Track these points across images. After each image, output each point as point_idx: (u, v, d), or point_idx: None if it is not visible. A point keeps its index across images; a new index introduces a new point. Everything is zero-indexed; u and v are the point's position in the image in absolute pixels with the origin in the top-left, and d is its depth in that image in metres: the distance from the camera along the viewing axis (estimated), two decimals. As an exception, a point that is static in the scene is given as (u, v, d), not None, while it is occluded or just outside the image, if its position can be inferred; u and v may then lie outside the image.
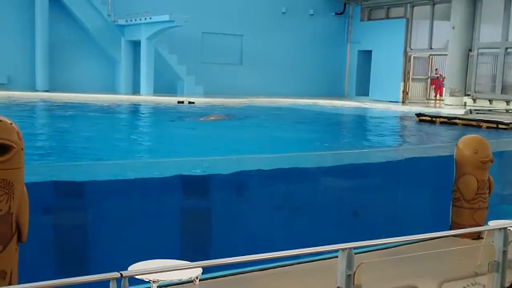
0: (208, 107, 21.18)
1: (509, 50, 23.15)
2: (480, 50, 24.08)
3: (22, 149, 3.37)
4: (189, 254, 5.00)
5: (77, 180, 5.20)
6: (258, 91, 26.76)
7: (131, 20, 23.88)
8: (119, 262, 3.78)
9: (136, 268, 3.63)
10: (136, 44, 24.49)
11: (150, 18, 23.03)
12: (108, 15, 24.32)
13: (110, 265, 3.15)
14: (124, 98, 22.88)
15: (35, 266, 4.55)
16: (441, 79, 26.02)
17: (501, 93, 23.30)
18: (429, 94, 28.38)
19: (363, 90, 29.48)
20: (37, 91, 23.08)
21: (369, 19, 29.97)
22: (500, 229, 4.41)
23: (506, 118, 16.58)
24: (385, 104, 25.08)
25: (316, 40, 29.50)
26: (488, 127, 15.38)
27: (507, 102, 22.52)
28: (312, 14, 29.44)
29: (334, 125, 19.37)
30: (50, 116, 17.81)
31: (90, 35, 24.34)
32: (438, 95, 27.14)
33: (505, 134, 14.36)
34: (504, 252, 4.37)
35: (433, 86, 27.93)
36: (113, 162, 6.78)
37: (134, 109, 20.75)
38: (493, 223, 5.67)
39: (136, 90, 24.45)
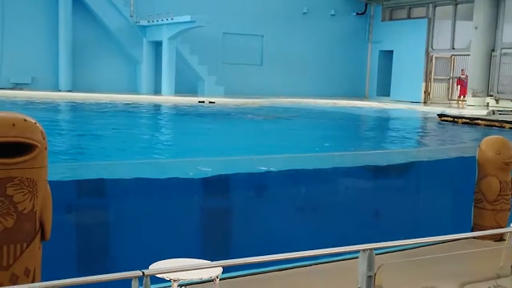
0: (239, 107, 21.34)
1: (533, 50, 22.86)
2: (503, 51, 23.80)
3: (45, 148, 3.42)
4: (210, 253, 5.03)
5: (99, 178, 5.26)
6: (279, 91, 26.75)
7: (153, 21, 24.05)
8: (140, 261, 3.81)
9: (157, 267, 3.66)
10: (157, 45, 24.65)
11: (172, 19, 23.16)
12: (131, 16, 24.51)
13: (131, 264, 3.19)
14: (146, 98, 23.03)
15: (58, 264, 4.61)
16: (467, 80, 25.78)
17: (525, 94, 23.01)
18: (451, 94, 28.13)
19: (384, 90, 29.32)
20: (60, 91, 23.35)
21: (390, 19, 29.79)
22: (522, 231, 4.36)
23: (529, 119, 16.36)
24: (407, 104, 24.91)
25: (337, 40, 29.42)
26: (511, 128, 15.19)
27: (531, 103, 22.24)
28: (333, 14, 29.35)
29: (355, 125, 19.30)
30: (75, 116, 18.01)
31: (112, 36, 24.56)
32: (462, 96, 26.87)
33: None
34: (527, 254, 4.32)
35: (459, 87, 27.66)
36: (135, 161, 6.84)
37: (175, 109, 20.80)
38: (515, 225, 5.62)
39: (157, 90, 24.61)
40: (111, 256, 5.22)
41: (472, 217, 6.75)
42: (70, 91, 23.36)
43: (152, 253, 4.17)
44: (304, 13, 28.65)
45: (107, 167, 5.61)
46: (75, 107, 19.67)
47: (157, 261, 3.81)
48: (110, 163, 6.34)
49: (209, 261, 3.50)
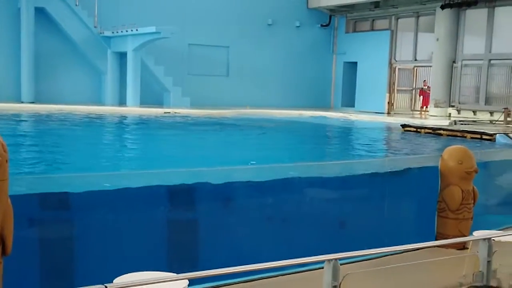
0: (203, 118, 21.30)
1: (492, 61, 23.42)
2: (464, 62, 24.35)
3: (6, 161, 3.35)
4: (176, 266, 4.99)
5: (62, 192, 5.18)
6: (244, 102, 26.79)
7: (117, 32, 23.89)
8: (105, 275, 3.76)
9: (121, 281, 3.61)
10: (122, 56, 24.47)
11: (137, 30, 23.05)
12: (95, 27, 24.30)
13: (95, 278, 3.14)
14: (111, 109, 22.79)
15: (20, 279, 4.51)
16: (429, 91, 26.28)
17: (485, 104, 23.54)
18: (414, 105, 28.61)
19: (349, 101, 29.67)
20: (22, 102, 22.96)
21: (354, 31, 30.21)
22: (484, 239, 4.45)
23: (490, 129, 16.74)
24: (371, 115, 25.23)
25: (302, 51, 29.68)
26: (472, 138, 15.51)
27: (491, 113, 22.75)
28: (298, 26, 29.62)
29: (320, 136, 19.44)
30: (37, 128, 17.73)
31: (76, 47, 24.31)
32: (424, 106, 27.37)
33: (489, 145, 14.49)
34: (489, 262, 4.41)
35: (421, 97, 28.17)
36: (98, 173, 6.75)
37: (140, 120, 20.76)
38: (477, 233, 5.72)
39: (122, 102, 24.41)
40: (75, 271, 5.13)
41: (435, 226, 6.85)
42: (33, 102, 22.98)
43: (117, 267, 4.12)
44: (269, 24, 28.83)
45: (70, 180, 5.53)
46: (37, 119, 19.36)
47: (122, 274, 3.76)
48: (73, 176, 6.25)
49: (174, 274, 3.47)
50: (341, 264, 3.51)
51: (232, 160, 10.91)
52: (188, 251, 5.70)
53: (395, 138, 18.11)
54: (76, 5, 23.92)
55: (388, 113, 27.25)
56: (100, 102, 24.53)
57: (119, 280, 3.66)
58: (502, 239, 5.33)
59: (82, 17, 24.01)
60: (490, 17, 23.24)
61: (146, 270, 3.91)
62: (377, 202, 7.12)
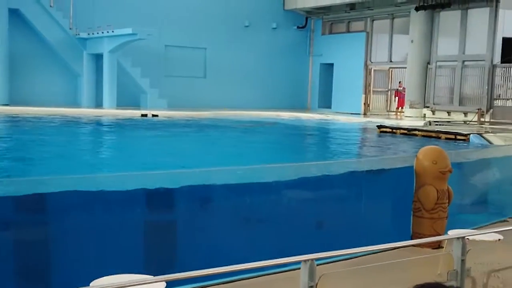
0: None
1: (466, 63, 23.74)
2: (438, 63, 24.64)
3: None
4: (153, 268, 4.98)
5: (37, 194, 5.13)
6: (222, 104, 26.79)
7: (93, 33, 23.70)
8: (82, 278, 3.74)
9: (98, 284, 3.60)
10: (98, 57, 24.29)
11: (113, 31, 22.89)
12: (70, 28, 24.08)
13: (72, 281, 3.13)
14: (87, 111, 22.60)
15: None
16: (404, 92, 26.54)
17: (459, 105, 23.85)
18: (389, 106, 28.87)
19: (325, 102, 29.83)
20: (-4, 105, 22.67)
21: (330, 33, 30.39)
22: (458, 238, 4.51)
23: (464, 129, 16.96)
24: (347, 116, 25.40)
25: (279, 53, 29.77)
26: (447, 138, 15.69)
27: (465, 114, 23.05)
28: (275, 28, 29.71)
29: (297, 137, 19.51)
30: (10, 130, 17.51)
31: (52, 49, 24.06)
32: (400, 107, 27.63)
33: (463, 145, 14.69)
34: (463, 261, 4.46)
35: (397, 98, 28.43)
36: (74, 176, 6.70)
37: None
38: (452, 233, 5.79)
39: (99, 103, 24.23)
40: (51, 274, 5.09)
41: (411, 225, 6.93)
42: (7, 105, 22.67)
43: (94, 270, 4.10)
44: (246, 26, 28.87)
45: (45, 182, 5.48)
46: (11, 122, 19.11)
47: (99, 277, 3.74)
48: (48, 178, 6.20)
49: (152, 276, 3.47)
50: (317, 265, 3.53)
51: (213, 161, 10.91)
52: (166, 253, 5.69)
53: (371, 139, 18.25)
54: (50, 6, 23.69)
55: (364, 114, 27.45)
56: (76, 104, 24.30)
57: (96, 283, 3.64)
58: (476, 238, 5.41)
59: (57, 19, 23.78)
60: (463, 19, 23.56)
61: (123, 273, 3.89)
62: (353, 202, 7.17)
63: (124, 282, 3.30)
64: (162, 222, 5.75)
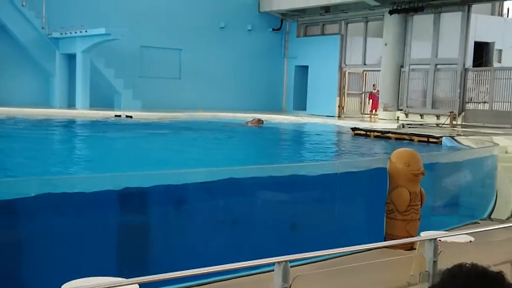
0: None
1: (438, 66, 24.04)
2: (411, 66, 24.91)
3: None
4: (126, 270, 4.93)
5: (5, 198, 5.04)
6: (197, 105, 26.67)
7: (66, 33, 23.43)
8: (53, 281, 3.69)
9: (70, 287, 3.55)
10: (71, 57, 24.02)
11: (86, 31, 22.67)
12: (42, 28, 23.77)
13: (43, 284, 3.08)
14: (59, 112, 22.32)
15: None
16: (378, 95, 26.75)
17: (432, 108, 24.13)
18: (363, 108, 29.06)
19: (300, 104, 29.93)
20: (-34, 105, 22.25)
21: (305, 35, 30.52)
22: (430, 240, 4.56)
23: (436, 132, 17.16)
24: (322, 118, 25.50)
25: (254, 55, 29.79)
26: (419, 141, 15.86)
27: (437, 117, 23.33)
28: (250, 30, 29.73)
29: (272, 139, 19.54)
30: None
31: (24, 48, 23.72)
32: (374, 110, 27.81)
33: (435, 148, 14.86)
34: (435, 262, 4.51)
35: (371, 101, 28.62)
36: (44, 177, 6.61)
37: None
38: (424, 234, 5.86)
39: (71, 104, 23.96)
40: (22, 277, 5.00)
41: (384, 227, 6.98)
42: (-23, 105, 22.30)
43: (66, 273, 4.04)
44: (222, 27, 28.84)
45: (14, 184, 5.39)
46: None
47: (70, 280, 3.70)
48: (18, 180, 6.10)
49: (124, 279, 3.43)
50: (291, 266, 3.53)
51: (187, 163, 10.86)
52: (139, 255, 5.64)
53: (345, 141, 18.36)
54: (23, 5, 23.37)
55: (339, 116, 27.60)
56: (48, 105, 23.99)
57: (68, 286, 3.59)
58: (448, 239, 5.48)
59: (29, 18, 23.46)
60: (436, 23, 23.86)
61: (96, 275, 3.85)
62: (327, 204, 7.20)
63: (96, 285, 3.27)
64: (134, 224, 5.69)
